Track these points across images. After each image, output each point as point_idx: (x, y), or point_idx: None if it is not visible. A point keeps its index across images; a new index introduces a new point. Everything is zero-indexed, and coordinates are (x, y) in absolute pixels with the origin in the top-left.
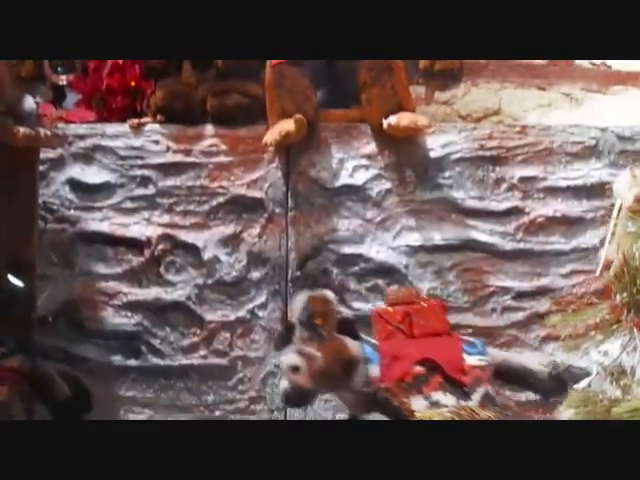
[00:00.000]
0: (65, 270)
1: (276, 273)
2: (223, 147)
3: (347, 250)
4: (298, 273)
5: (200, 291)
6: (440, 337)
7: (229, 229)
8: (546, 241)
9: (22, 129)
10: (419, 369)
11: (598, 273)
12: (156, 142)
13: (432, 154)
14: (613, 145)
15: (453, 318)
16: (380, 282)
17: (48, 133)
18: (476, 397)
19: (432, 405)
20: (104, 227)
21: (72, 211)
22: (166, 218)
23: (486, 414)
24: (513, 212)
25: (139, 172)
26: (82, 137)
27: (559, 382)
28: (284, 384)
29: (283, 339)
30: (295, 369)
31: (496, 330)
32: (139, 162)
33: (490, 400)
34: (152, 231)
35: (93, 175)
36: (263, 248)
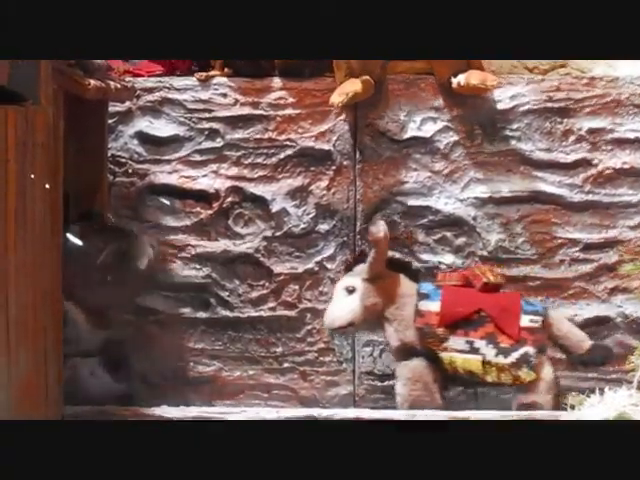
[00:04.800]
0: (134, 223)
1: (344, 225)
2: (291, 100)
3: (415, 202)
4: (366, 225)
5: (268, 243)
6: (501, 293)
7: (297, 181)
8: (614, 193)
9: (93, 81)
10: (476, 315)
11: None
12: (224, 95)
13: (500, 106)
14: None
15: (521, 270)
16: (448, 234)
17: (118, 86)
18: (514, 355)
19: (471, 350)
20: (172, 180)
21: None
22: (234, 170)
23: (517, 373)
24: (581, 164)
25: (207, 125)
26: (150, 90)
27: (602, 355)
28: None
29: (356, 261)
30: (351, 290)
31: (564, 282)
32: (207, 115)
33: (526, 361)
34: (220, 184)
35: (161, 128)
36: (331, 200)
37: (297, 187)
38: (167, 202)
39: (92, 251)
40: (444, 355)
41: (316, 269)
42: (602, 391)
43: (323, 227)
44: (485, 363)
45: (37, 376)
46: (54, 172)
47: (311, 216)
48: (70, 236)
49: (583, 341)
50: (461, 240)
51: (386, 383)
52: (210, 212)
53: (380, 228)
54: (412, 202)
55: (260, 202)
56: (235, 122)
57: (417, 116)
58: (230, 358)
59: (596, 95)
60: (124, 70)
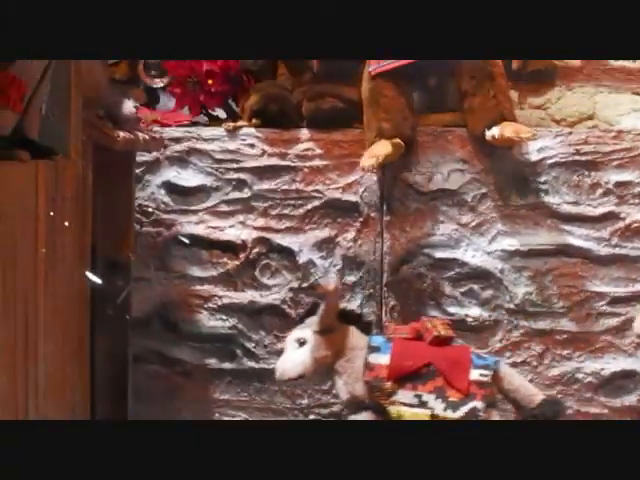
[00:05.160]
0: (160, 273)
1: (370, 277)
2: (318, 151)
3: (442, 254)
4: (392, 278)
5: (295, 294)
6: (451, 346)
7: (324, 233)
8: None
9: (122, 134)
10: (425, 368)
11: None
12: (251, 145)
13: (528, 159)
14: None
15: (548, 324)
16: (475, 287)
17: (147, 137)
18: (463, 409)
19: (420, 404)
20: (199, 230)
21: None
22: (261, 221)
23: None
24: (608, 217)
25: (235, 175)
26: (177, 140)
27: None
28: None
29: (307, 313)
30: (302, 342)
31: (591, 336)
32: (234, 165)
33: (474, 415)
34: (247, 234)
35: (189, 178)
36: (358, 252)
37: (324, 238)
38: (186, 240)
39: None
40: (392, 409)
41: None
42: None
43: (350, 279)
44: (433, 417)
45: None
46: (83, 224)
47: (338, 268)
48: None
49: (534, 395)
50: (488, 293)
51: None
52: (237, 263)
53: (330, 281)
54: (439, 254)
55: (287, 253)
56: (262, 173)
57: (444, 168)
58: (255, 409)
59: (624, 148)
60: (152, 120)
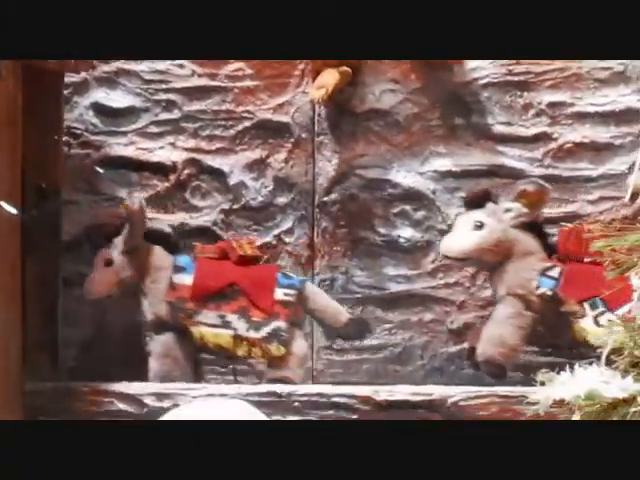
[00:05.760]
0: (89, 196)
1: (302, 198)
2: (249, 71)
3: (374, 175)
4: (325, 198)
5: (226, 216)
6: (257, 266)
7: (255, 154)
8: (574, 167)
9: None
10: (229, 288)
11: (627, 200)
12: (181, 66)
13: (460, 79)
14: None
15: None
16: (407, 208)
17: None
18: (265, 330)
19: (223, 324)
20: (129, 152)
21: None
22: (191, 143)
23: (268, 348)
24: (541, 138)
25: (164, 96)
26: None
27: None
28: None
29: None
30: (109, 263)
31: None
32: (164, 86)
33: (277, 336)
34: (177, 156)
35: (118, 99)
36: (289, 173)
37: (255, 159)
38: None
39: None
40: (194, 330)
41: (274, 242)
42: (572, 368)
43: (281, 200)
44: (236, 337)
45: None
46: (13, 148)
47: (269, 189)
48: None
49: (340, 314)
50: (420, 214)
51: (345, 358)
52: (167, 184)
53: (135, 200)
54: (371, 175)
55: (218, 175)
56: (192, 93)
57: (376, 88)
58: None
59: (556, 68)
60: None
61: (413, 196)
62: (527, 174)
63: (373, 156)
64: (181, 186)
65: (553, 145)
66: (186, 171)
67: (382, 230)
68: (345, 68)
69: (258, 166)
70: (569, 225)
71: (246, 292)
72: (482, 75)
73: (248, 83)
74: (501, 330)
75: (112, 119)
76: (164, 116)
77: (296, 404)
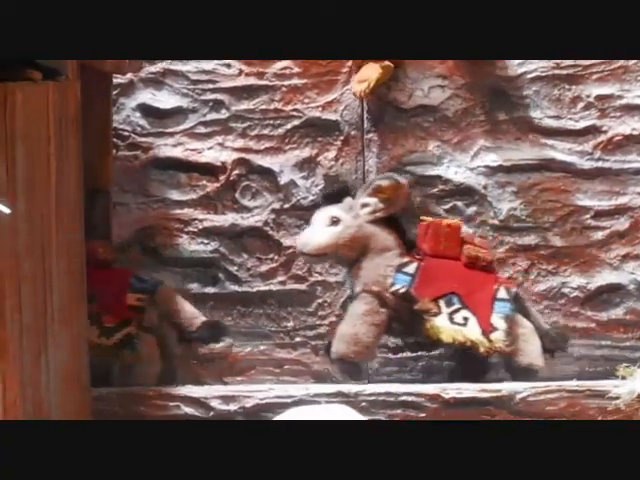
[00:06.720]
0: (138, 197)
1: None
2: (296, 69)
3: (425, 172)
4: None
5: (277, 216)
6: (112, 270)
7: (305, 152)
8: (624, 159)
9: None
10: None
11: None
12: (228, 65)
13: (508, 73)
14: None
15: (533, 239)
16: (459, 203)
17: None
18: (117, 336)
19: None
20: (177, 153)
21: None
22: (240, 142)
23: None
24: (590, 131)
25: (211, 96)
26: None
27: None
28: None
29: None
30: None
31: (576, 250)
32: (211, 86)
33: (129, 342)
34: (226, 156)
35: (164, 100)
36: (340, 171)
37: (305, 158)
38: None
39: None
40: None
41: None
42: None
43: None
44: (90, 344)
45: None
46: (77, 151)
47: (319, 187)
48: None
49: (195, 318)
50: (472, 209)
51: (399, 355)
52: (217, 185)
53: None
54: (422, 171)
55: (267, 174)
56: (240, 93)
57: (424, 84)
58: (240, 333)
59: (603, 61)
60: None
61: (464, 192)
62: (578, 167)
63: (423, 152)
64: (231, 186)
65: (602, 138)
66: (235, 171)
67: None
68: (387, 62)
69: (308, 165)
70: (427, 219)
71: (99, 297)
72: (530, 69)
73: (296, 81)
74: (356, 328)
75: (159, 120)
76: (212, 116)
77: (363, 404)
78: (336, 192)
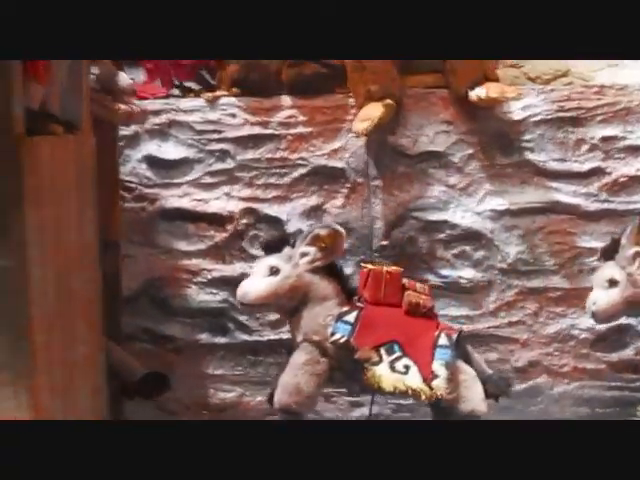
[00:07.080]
0: (146, 249)
1: (361, 243)
2: (301, 118)
3: (432, 217)
4: (384, 242)
5: None
6: None
7: (311, 200)
8: (629, 200)
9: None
10: None
11: None
12: (233, 115)
13: (512, 117)
14: None
15: (541, 282)
16: (467, 248)
17: (138, 109)
18: None
19: None
20: (184, 203)
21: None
22: (247, 192)
23: None
24: (595, 172)
25: (217, 146)
26: (156, 113)
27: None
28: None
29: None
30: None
31: (584, 291)
32: (216, 136)
33: None
34: (233, 206)
35: (170, 151)
36: (347, 218)
37: (312, 206)
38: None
39: None
40: None
41: None
42: None
43: None
44: None
45: None
46: (94, 200)
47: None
48: None
49: (136, 369)
50: (480, 253)
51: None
52: (224, 235)
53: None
54: (429, 217)
55: (275, 223)
56: (245, 142)
57: (429, 130)
58: (251, 383)
59: (607, 103)
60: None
61: (472, 236)
62: (583, 209)
63: (429, 198)
64: (238, 236)
65: (607, 179)
66: (243, 220)
67: (442, 272)
68: (389, 101)
69: (315, 212)
70: (368, 266)
71: None
72: (534, 112)
73: (301, 130)
74: (297, 378)
75: (165, 171)
76: (218, 166)
77: None
78: (276, 241)
